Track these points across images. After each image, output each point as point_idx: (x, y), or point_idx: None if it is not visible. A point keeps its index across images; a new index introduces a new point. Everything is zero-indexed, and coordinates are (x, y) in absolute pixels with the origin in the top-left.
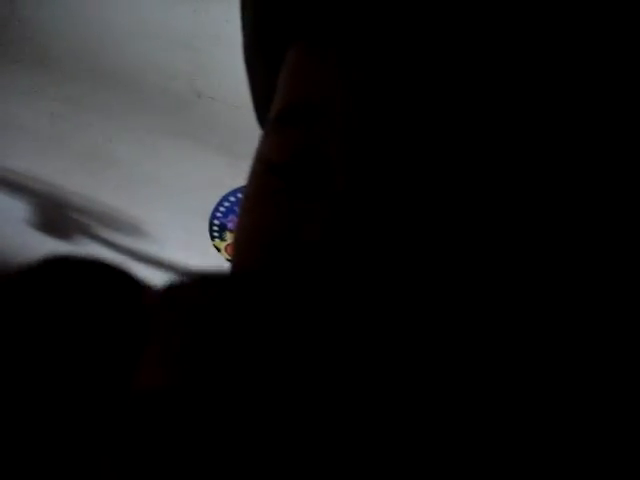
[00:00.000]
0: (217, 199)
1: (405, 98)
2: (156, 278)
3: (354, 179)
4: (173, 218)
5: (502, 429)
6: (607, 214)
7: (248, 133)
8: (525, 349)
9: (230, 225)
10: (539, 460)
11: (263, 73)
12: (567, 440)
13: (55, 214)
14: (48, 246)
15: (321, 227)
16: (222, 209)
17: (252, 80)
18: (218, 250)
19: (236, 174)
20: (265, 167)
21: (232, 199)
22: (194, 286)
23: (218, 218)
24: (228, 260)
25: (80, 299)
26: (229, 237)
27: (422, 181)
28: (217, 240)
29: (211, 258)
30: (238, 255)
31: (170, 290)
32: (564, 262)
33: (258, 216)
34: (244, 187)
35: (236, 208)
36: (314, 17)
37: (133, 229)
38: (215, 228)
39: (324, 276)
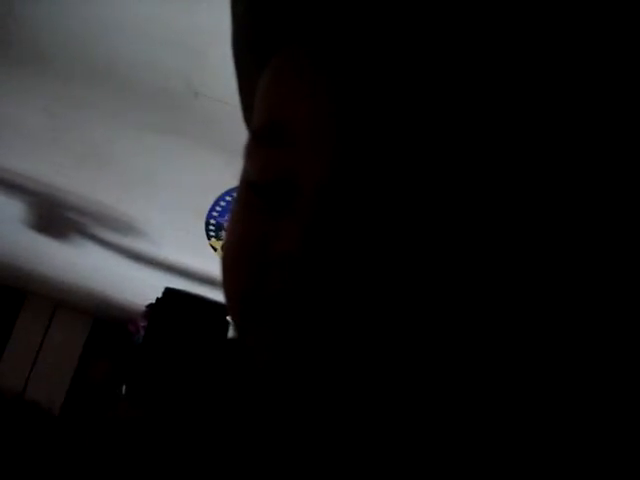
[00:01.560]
0: (214, 198)
1: (372, 122)
2: (153, 277)
3: (321, 192)
4: (169, 217)
5: (502, 429)
6: (607, 214)
7: (245, 132)
8: (525, 349)
9: (226, 225)
10: (539, 460)
11: (249, 77)
12: (567, 440)
13: (51, 213)
14: (43, 245)
15: (293, 237)
16: (218, 208)
17: (240, 79)
18: (214, 249)
19: (233, 173)
20: (244, 185)
21: (228, 198)
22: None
23: (214, 217)
24: None
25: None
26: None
27: (393, 192)
28: (213, 239)
29: (207, 257)
30: (224, 269)
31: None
32: (565, 262)
33: (239, 228)
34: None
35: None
36: (298, 24)
37: (129, 228)
38: (211, 227)
39: (296, 286)
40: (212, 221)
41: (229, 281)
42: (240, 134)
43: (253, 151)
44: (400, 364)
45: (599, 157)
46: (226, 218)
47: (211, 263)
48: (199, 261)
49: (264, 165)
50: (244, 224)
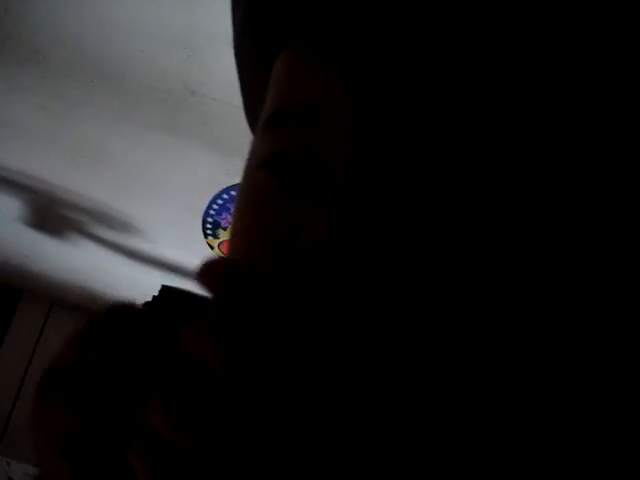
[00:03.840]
0: (211, 197)
1: (403, 100)
2: (149, 275)
3: (354, 179)
4: (166, 215)
5: (502, 429)
6: (607, 214)
7: (242, 131)
8: (525, 349)
9: (223, 223)
10: (539, 460)
11: (253, 73)
12: (567, 440)
13: (47, 211)
14: (39, 243)
15: (321, 228)
16: (215, 207)
17: (242, 80)
18: (211, 248)
19: (230, 172)
20: (259, 167)
21: (225, 197)
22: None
23: (211, 216)
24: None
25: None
26: (222, 235)
27: (422, 179)
28: (210, 237)
29: (204, 255)
30: (239, 254)
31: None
32: (564, 262)
33: (254, 219)
34: (238, 186)
35: (229, 206)
36: (306, 16)
37: (126, 226)
38: (208, 226)
39: (327, 281)
40: (209, 219)
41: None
42: (237, 133)
43: (270, 128)
44: (413, 362)
45: (599, 157)
46: (223, 216)
47: None
48: (196, 259)
49: (285, 143)
50: (259, 211)
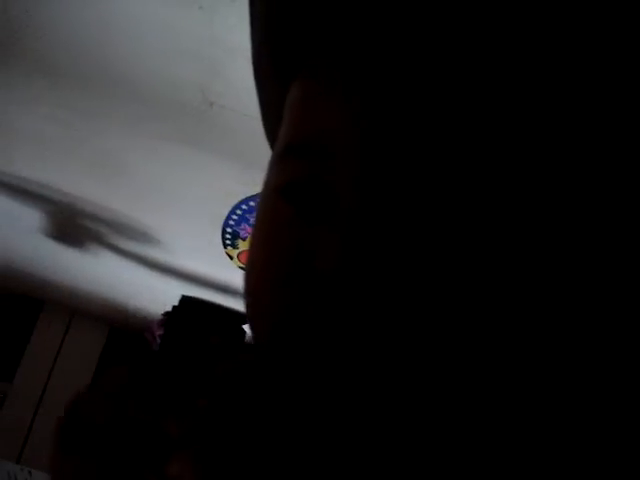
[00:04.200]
0: (229, 207)
1: (412, 133)
2: (169, 285)
3: (363, 207)
4: (185, 226)
5: (502, 429)
6: (607, 214)
7: (261, 142)
8: (526, 349)
9: (242, 233)
10: (539, 460)
11: (271, 92)
12: (567, 440)
13: (67, 222)
14: (60, 254)
15: (335, 255)
16: (234, 217)
17: (260, 97)
18: (230, 258)
19: (248, 182)
20: (273, 193)
21: (244, 207)
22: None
23: (230, 226)
24: (240, 268)
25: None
26: (241, 245)
27: (429, 202)
28: (229, 248)
29: (223, 266)
30: (251, 292)
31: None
32: (565, 262)
33: (271, 243)
34: (256, 196)
35: (248, 216)
36: (318, 46)
37: (145, 237)
38: (227, 236)
39: (341, 304)
40: (228, 229)
41: (260, 297)
42: (255, 144)
43: (284, 159)
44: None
45: (599, 157)
46: (242, 227)
47: (227, 271)
48: (215, 269)
49: (297, 173)
50: (274, 236)
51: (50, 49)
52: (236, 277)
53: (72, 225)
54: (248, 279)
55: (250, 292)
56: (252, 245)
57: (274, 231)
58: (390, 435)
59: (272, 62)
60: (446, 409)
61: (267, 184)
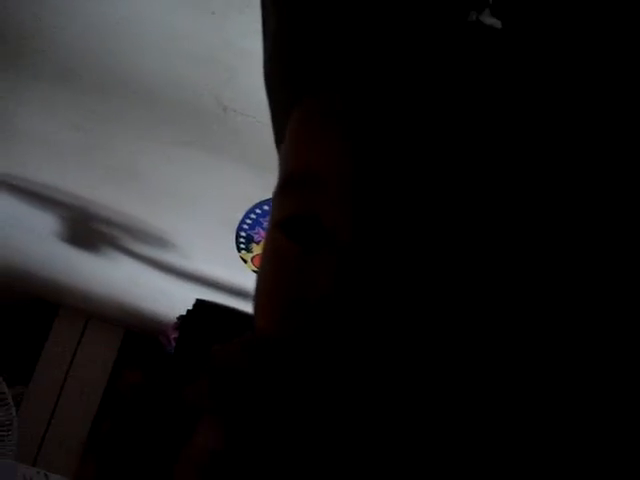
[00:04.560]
0: (243, 211)
1: (401, 163)
2: (183, 289)
3: (356, 240)
4: (199, 230)
5: (502, 429)
6: (607, 214)
7: (273, 146)
8: (526, 350)
9: (256, 237)
10: (539, 460)
11: (281, 103)
12: (567, 440)
13: (82, 226)
14: (75, 258)
15: (329, 283)
16: (248, 221)
17: (272, 107)
18: (244, 262)
19: (262, 186)
20: (274, 227)
21: (258, 211)
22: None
23: (244, 230)
24: (254, 271)
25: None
26: (255, 249)
27: (422, 230)
28: (243, 252)
29: (237, 270)
30: (260, 317)
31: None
32: (565, 262)
33: (272, 277)
34: (270, 200)
35: (262, 220)
36: (327, 63)
37: (159, 241)
38: (242, 240)
39: (339, 328)
40: (242, 233)
41: (265, 320)
42: (269, 148)
43: (283, 194)
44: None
45: (599, 158)
46: (256, 230)
47: (241, 275)
48: (229, 273)
49: (295, 208)
50: (276, 268)
51: (63, 54)
52: (250, 281)
53: (87, 229)
54: (256, 306)
55: (259, 308)
56: (260, 274)
57: (278, 263)
58: (389, 439)
59: (281, 77)
60: (446, 412)
61: (271, 217)
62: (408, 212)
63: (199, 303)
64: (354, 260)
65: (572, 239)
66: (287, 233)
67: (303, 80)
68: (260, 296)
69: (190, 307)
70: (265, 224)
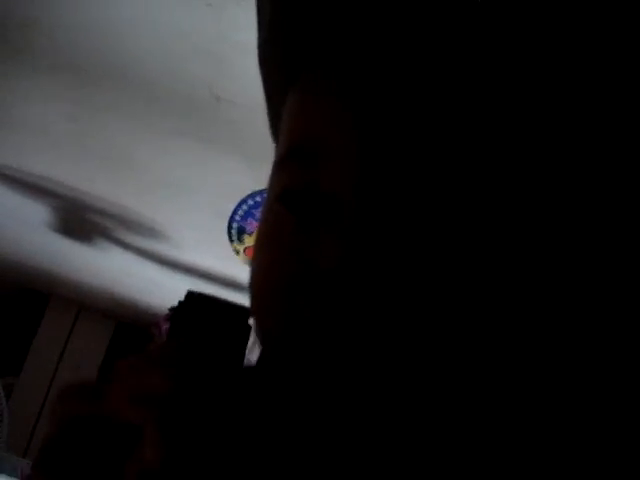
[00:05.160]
0: (236, 202)
1: (403, 132)
2: (175, 280)
3: (363, 206)
4: (192, 221)
5: (502, 429)
6: (607, 214)
7: (268, 136)
8: (525, 350)
9: (249, 228)
10: (539, 460)
11: (276, 88)
12: (567, 440)
13: (74, 217)
14: (67, 248)
15: (336, 253)
16: (241, 212)
17: (267, 93)
18: (237, 253)
19: (255, 177)
20: (275, 201)
21: (251, 202)
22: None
23: (237, 221)
24: (246, 263)
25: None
26: (247, 240)
27: (426, 202)
28: (236, 243)
29: (229, 261)
30: (258, 295)
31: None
32: (564, 262)
33: (273, 249)
34: (263, 191)
35: (255, 211)
36: (321, 43)
37: (152, 231)
38: (233, 231)
39: (345, 300)
40: (235, 224)
41: (265, 302)
42: (262, 139)
43: (284, 166)
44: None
45: (598, 158)
46: (248, 221)
47: (233, 266)
48: (221, 264)
49: (296, 179)
50: (277, 243)
51: (59, 45)
52: (242, 272)
53: (79, 220)
54: (254, 283)
55: (256, 295)
56: (256, 250)
57: (277, 237)
58: (390, 434)
59: (276, 59)
60: (446, 408)
61: (268, 191)
62: (412, 179)
63: (191, 294)
64: (362, 230)
65: (571, 235)
66: (287, 206)
67: (299, 60)
68: (257, 275)
69: (182, 298)
70: (258, 215)
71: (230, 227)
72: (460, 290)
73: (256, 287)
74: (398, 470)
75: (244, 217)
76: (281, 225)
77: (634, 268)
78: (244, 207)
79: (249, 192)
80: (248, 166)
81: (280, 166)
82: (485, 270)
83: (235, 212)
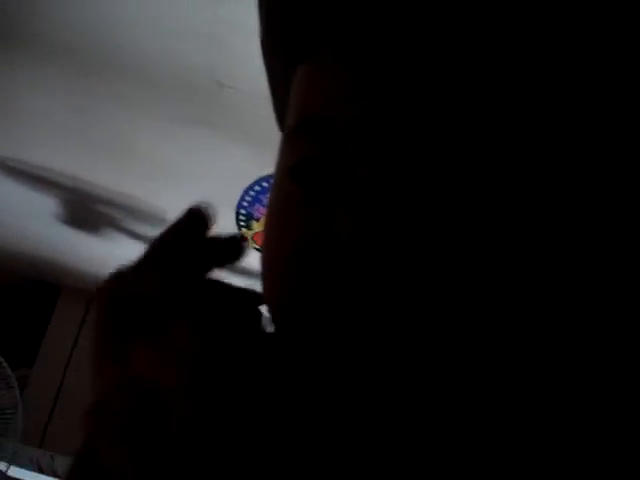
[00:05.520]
0: (242, 188)
1: (414, 103)
2: None
3: (375, 176)
4: None
5: (502, 429)
6: (607, 214)
7: (272, 122)
8: (525, 349)
9: (256, 214)
10: (539, 460)
11: (280, 76)
12: (567, 440)
13: (81, 207)
14: (75, 239)
15: (347, 224)
16: (248, 198)
17: (271, 78)
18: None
19: (260, 163)
20: (284, 176)
21: (257, 188)
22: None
23: (244, 207)
24: (255, 249)
25: None
26: (255, 226)
27: (438, 175)
28: (244, 229)
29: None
30: (268, 267)
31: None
32: (564, 262)
33: (283, 228)
34: (269, 177)
35: (262, 197)
36: (327, 25)
37: (158, 220)
38: (242, 217)
39: (356, 273)
40: (242, 211)
41: (275, 273)
42: (267, 124)
43: (295, 140)
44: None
45: (598, 157)
46: (256, 207)
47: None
48: None
49: (308, 151)
50: (287, 218)
51: (59, 32)
52: (251, 258)
53: (85, 210)
54: (264, 257)
55: (267, 268)
56: (267, 226)
57: (287, 212)
58: (390, 433)
59: (279, 45)
60: (447, 407)
61: (278, 165)
62: (426, 151)
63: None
64: (376, 201)
65: (571, 238)
66: (297, 180)
67: (303, 40)
68: (267, 250)
69: None
70: (265, 201)
71: (238, 214)
72: (467, 268)
73: (266, 260)
74: (397, 468)
75: (251, 203)
76: (291, 200)
77: (634, 268)
78: (251, 193)
79: (255, 178)
80: (254, 152)
81: (289, 140)
82: (490, 253)
83: (242, 198)
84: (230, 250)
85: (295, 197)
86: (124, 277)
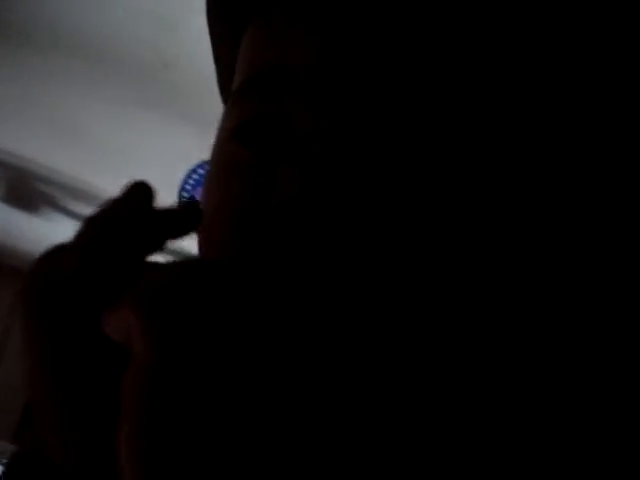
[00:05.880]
0: (185, 171)
1: (375, 64)
2: None
3: (321, 133)
4: None
5: (502, 429)
6: (607, 214)
7: (217, 103)
8: (525, 349)
9: (199, 198)
10: (539, 460)
11: (225, 45)
12: (567, 440)
13: (21, 185)
14: (14, 217)
15: (294, 184)
16: (191, 181)
17: (216, 49)
18: None
19: (205, 146)
20: (228, 139)
21: (201, 171)
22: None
23: (187, 191)
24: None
25: None
26: None
27: (390, 136)
28: None
29: None
30: (209, 237)
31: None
32: (564, 262)
33: (226, 189)
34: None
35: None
36: None
37: (100, 200)
38: (184, 200)
39: (301, 232)
40: (184, 194)
41: (215, 237)
42: (211, 105)
43: (243, 99)
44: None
45: (598, 157)
46: (199, 190)
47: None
48: None
49: (257, 109)
50: (230, 181)
51: (5, 10)
52: (192, 244)
53: (24, 188)
54: (203, 226)
55: (206, 236)
56: (206, 193)
57: (230, 176)
58: (389, 432)
59: (222, 14)
60: (445, 409)
61: (219, 132)
62: (376, 109)
63: None
64: (322, 162)
65: (569, 237)
66: (241, 140)
67: (249, 8)
68: (207, 220)
69: None
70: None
71: (180, 197)
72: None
73: (206, 228)
74: (397, 468)
75: (194, 186)
76: (234, 162)
77: (634, 267)
78: (194, 176)
79: (199, 161)
80: (198, 133)
81: (233, 103)
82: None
83: (185, 182)
84: (185, 217)
85: (239, 159)
86: (47, 258)
